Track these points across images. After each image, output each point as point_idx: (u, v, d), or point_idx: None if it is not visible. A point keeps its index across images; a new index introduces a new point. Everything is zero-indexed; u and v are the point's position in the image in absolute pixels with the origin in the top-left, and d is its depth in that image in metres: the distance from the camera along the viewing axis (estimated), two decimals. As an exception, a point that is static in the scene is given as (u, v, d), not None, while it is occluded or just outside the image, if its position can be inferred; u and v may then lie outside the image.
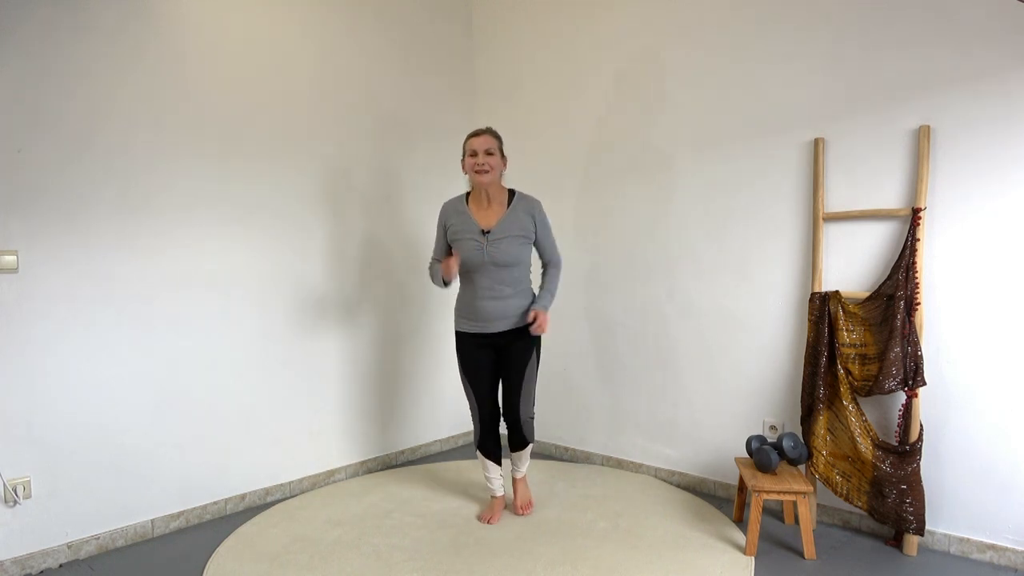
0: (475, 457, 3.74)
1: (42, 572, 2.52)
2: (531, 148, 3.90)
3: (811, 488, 2.51)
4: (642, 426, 3.48)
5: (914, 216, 2.53)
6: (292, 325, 3.28)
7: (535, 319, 2.64)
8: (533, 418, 2.82)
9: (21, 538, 2.49)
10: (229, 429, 3.06)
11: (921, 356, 2.51)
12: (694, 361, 3.26)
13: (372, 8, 3.64)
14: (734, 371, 3.11)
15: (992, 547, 2.46)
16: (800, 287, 2.89)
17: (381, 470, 3.64)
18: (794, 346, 2.92)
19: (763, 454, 2.60)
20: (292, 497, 3.23)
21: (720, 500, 3.12)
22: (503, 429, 2.89)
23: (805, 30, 2.83)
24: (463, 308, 2.78)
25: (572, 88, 3.70)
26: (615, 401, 3.59)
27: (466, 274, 2.73)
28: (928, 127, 2.53)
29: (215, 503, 3.00)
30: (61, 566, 2.56)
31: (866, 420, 2.63)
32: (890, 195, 2.64)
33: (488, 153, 2.64)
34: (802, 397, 2.78)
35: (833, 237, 2.79)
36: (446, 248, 2.81)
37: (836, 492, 2.67)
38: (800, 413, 2.83)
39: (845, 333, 2.67)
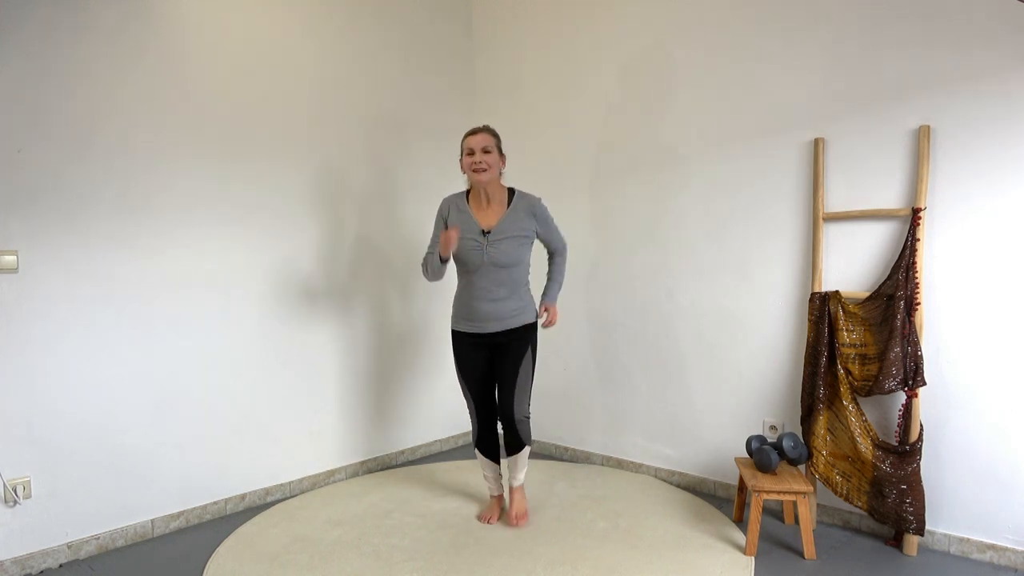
0: (474, 457, 3.74)
1: (42, 572, 2.52)
2: (531, 148, 3.90)
3: (811, 488, 2.51)
4: (642, 426, 3.48)
5: (914, 216, 2.53)
6: (292, 325, 3.28)
7: (546, 314, 2.78)
8: (529, 418, 2.77)
9: (21, 538, 2.49)
10: (229, 429, 3.06)
11: (921, 356, 2.51)
12: (694, 361, 3.26)
13: (372, 8, 3.64)
14: (734, 371, 3.11)
15: (992, 547, 2.46)
16: (800, 287, 2.89)
17: (381, 470, 3.64)
18: (794, 346, 2.92)
19: (763, 454, 2.60)
20: (292, 497, 3.23)
21: (720, 500, 3.13)
22: (501, 429, 2.89)
23: (805, 30, 2.83)
24: (460, 308, 2.77)
25: (572, 88, 3.70)
26: (615, 401, 3.59)
27: (464, 274, 2.72)
28: (928, 127, 2.53)
29: (215, 503, 3.01)
30: (61, 566, 2.56)
31: (866, 420, 2.63)
32: (890, 195, 2.64)
33: (485, 151, 2.61)
34: (802, 397, 2.78)
35: (833, 237, 2.79)
36: None
37: (836, 492, 2.67)
38: (800, 413, 2.83)
39: (845, 333, 2.67)
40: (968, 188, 2.47)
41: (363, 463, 3.60)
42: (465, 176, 2.73)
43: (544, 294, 2.84)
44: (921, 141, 2.53)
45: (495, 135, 2.68)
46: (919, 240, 2.52)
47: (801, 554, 2.53)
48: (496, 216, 2.68)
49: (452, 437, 4.07)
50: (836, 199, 2.77)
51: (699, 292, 3.22)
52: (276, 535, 2.76)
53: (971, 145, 2.46)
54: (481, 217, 2.68)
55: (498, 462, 2.91)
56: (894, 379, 2.51)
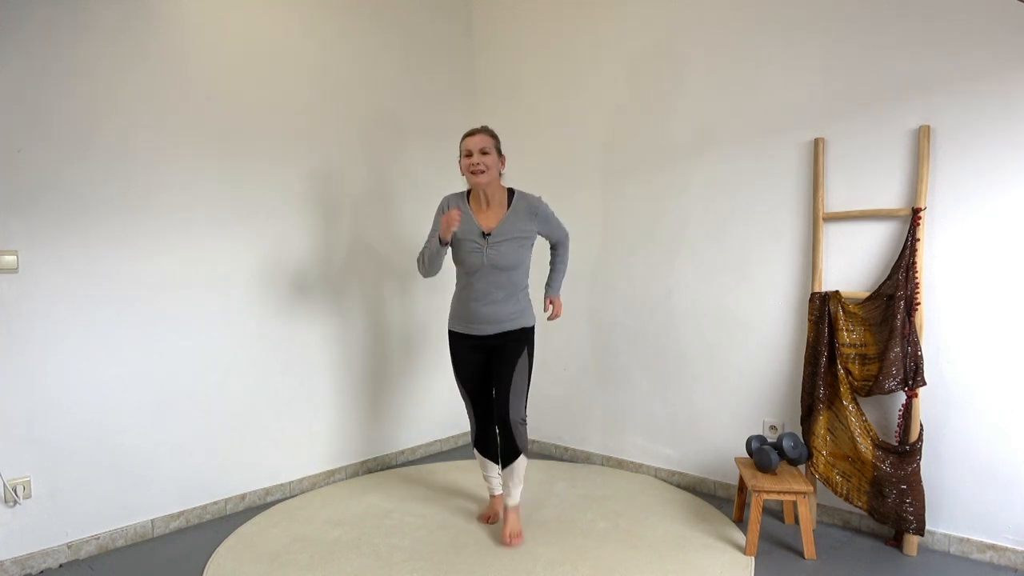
0: (474, 457, 3.73)
1: (42, 572, 2.52)
2: (531, 148, 3.90)
3: (811, 488, 2.51)
4: (642, 426, 3.48)
5: (914, 216, 2.53)
6: (292, 325, 3.28)
7: (551, 307, 2.80)
8: (525, 422, 2.67)
9: (21, 538, 2.49)
10: (229, 429, 3.06)
11: (921, 356, 2.51)
12: (694, 361, 3.26)
13: (372, 8, 3.64)
14: (734, 371, 3.11)
15: (992, 547, 2.46)
16: (800, 287, 2.89)
17: (381, 470, 3.64)
18: (794, 346, 2.92)
19: (763, 454, 2.60)
20: (292, 497, 3.23)
21: (720, 500, 3.12)
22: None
23: (805, 30, 2.83)
24: (457, 309, 2.74)
25: (572, 88, 3.70)
26: (615, 401, 3.59)
27: (463, 275, 2.69)
28: (928, 127, 2.53)
29: (215, 503, 3.01)
30: (61, 566, 2.56)
31: (866, 420, 2.63)
32: (890, 195, 2.64)
33: (483, 152, 2.56)
34: (802, 397, 2.78)
35: (833, 237, 2.79)
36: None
37: (836, 492, 2.67)
38: (800, 413, 2.83)
39: (845, 333, 2.67)
40: (968, 188, 2.47)
41: (363, 463, 3.60)
42: (465, 178, 2.72)
43: (548, 285, 2.84)
44: (921, 141, 2.53)
45: (493, 136, 2.63)
46: (919, 240, 2.52)
47: (801, 554, 2.53)
48: (496, 218, 2.64)
49: (452, 437, 4.07)
50: (836, 199, 2.77)
51: (699, 292, 3.22)
52: (276, 535, 2.76)
53: (971, 145, 2.46)
54: (481, 219, 2.64)
55: (497, 461, 2.89)
56: (894, 379, 2.51)
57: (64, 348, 2.58)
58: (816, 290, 2.78)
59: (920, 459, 2.49)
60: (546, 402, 3.87)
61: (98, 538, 2.66)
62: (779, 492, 2.51)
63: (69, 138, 2.59)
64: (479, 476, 3.41)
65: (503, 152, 2.69)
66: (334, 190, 3.45)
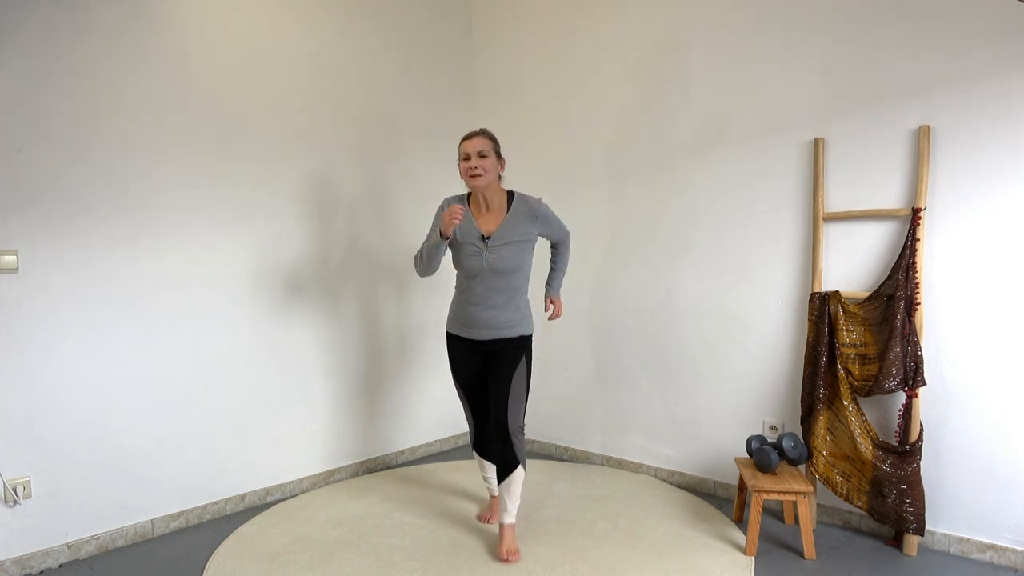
0: (473, 457, 3.74)
1: (42, 572, 2.52)
2: (530, 148, 3.90)
3: (811, 488, 2.51)
4: (642, 426, 3.48)
5: (914, 216, 2.53)
6: (292, 326, 3.28)
7: (552, 306, 2.78)
8: (523, 430, 2.58)
9: (21, 538, 2.49)
10: (229, 429, 3.06)
11: (921, 356, 2.51)
12: (694, 361, 3.26)
13: (372, 8, 3.64)
14: (734, 371, 3.11)
15: (992, 547, 2.46)
16: (800, 287, 2.89)
17: (381, 470, 3.64)
18: (794, 346, 2.92)
19: (763, 454, 2.60)
20: (292, 497, 3.23)
21: (720, 500, 3.13)
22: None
23: (805, 30, 2.83)
24: (455, 311, 2.71)
25: (572, 88, 3.70)
26: (615, 401, 3.59)
27: (463, 279, 2.66)
28: (928, 127, 2.53)
29: (215, 503, 3.00)
30: (61, 566, 2.56)
31: (866, 420, 2.63)
32: (890, 195, 2.64)
33: (481, 156, 2.51)
34: (802, 397, 2.78)
35: (833, 237, 2.79)
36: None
37: (836, 492, 2.67)
38: (800, 413, 2.83)
39: (845, 333, 2.67)
40: (968, 188, 2.47)
41: (363, 463, 3.60)
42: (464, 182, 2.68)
43: (548, 285, 2.81)
44: (921, 141, 2.53)
45: (492, 139, 2.58)
46: (919, 240, 2.52)
47: (801, 554, 2.53)
48: (496, 221, 2.59)
49: (452, 437, 4.07)
50: (836, 199, 2.77)
51: (699, 292, 3.22)
52: (276, 535, 2.76)
53: (971, 145, 2.46)
54: (480, 222, 2.60)
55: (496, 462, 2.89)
56: (894, 379, 2.51)
57: (64, 348, 2.58)
58: (816, 290, 2.78)
59: (920, 459, 2.49)
60: (546, 402, 3.87)
61: (98, 538, 2.66)
62: (779, 492, 2.51)
63: (69, 138, 2.59)
64: (479, 476, 3.41)
65: (502, 155, 2.64)
66: (334, 190, 3.45)
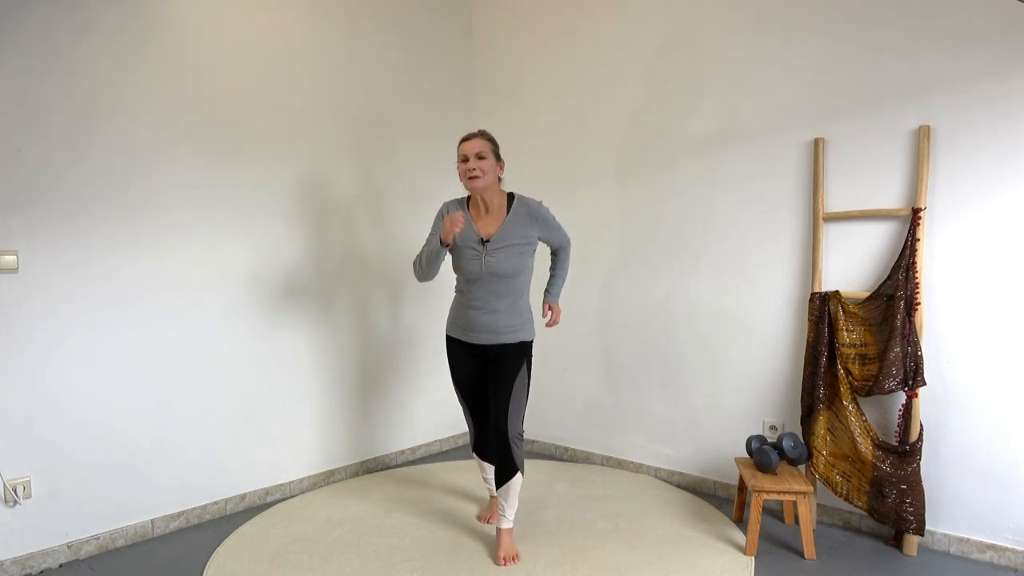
0: (473, 458, 3.74)
1: (42, 572, 2.52)
2: (531, 148, 3.90)
3: (811, 488, 2.51)
4: (642, 426, 3.48)
5: (914, 216, 2.53)
6: (292, 325, 3.28)
7: (550, 313, 2.73)
8: (522, 437, 2.55)
9: (21, 538, 2.49)
10: (229, 429, 3.06)
11: (921, 356, 2.51)
12: (694, 361, 3.26)
13: (372, 8, 3.64)
14: (734, 371, 3.11)
15: (992, 547, 2.46)
16: (800, 287, 2.89)
17: (381, 470, 3.64)
18: (794, 346, 2.92)
19: (763, 454, 2.60)
20: (292, 497, 3.23)
21: (720, 500, 3.13)
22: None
23: (805, 30, 2.83)
24: (455, 315, 2.67)
25: (572, 89, 3.70)
26: (615, 401, 3.59)
27: (463, 283, 2.62)
28: (928, 127, 2.53)
29: (215, 503, 3.01)
30: (61, 566, 2.56)
31: (866, 420, 2.63)
32: (890, 195, 2.64)
33: (480, 157, 2.48)
34: (802, 397, 2.78)
35: (833, 237, 2.79)
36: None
37: (836, 492, 2.67)
38: (800, 413, 2.83)
39: (845, 333, 2.67)
40: (968, 188, 2.47)
41: (363, 463, 3.60)
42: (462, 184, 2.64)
43: (547, 291, 2.77)
44: (921, 141, 2.53)
45: (490, 140, 2.54)
46: (919, 240, 2.52)
47: (801, 554, 2.53)
48: (495, 224, 2.55)
49: (452, 437, 4.07)
50: (836, 199, 2.77)
51: (699, 292, 3.22)
52: (276, 535, 2.76)
53: (971, 145, 2.46)
54: (480, 225, 2.56)
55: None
56: (894, 379, 2.51)
57: (64, 348, 2.58)
58: (816, 290, 2.78)
59: (920, 459, 2.49)
60: (546, 402, 3.87)
61: (98, 538, 2.66)
62: (779, 492, 2.51)
63: (69, 138, 2.59)
64: (479, 476, 3.41)
65: (501, 156, 2.60)
66: (334, 190, 3.45)
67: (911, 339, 2.51)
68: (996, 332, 2.43)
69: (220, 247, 3.01)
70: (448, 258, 2.64)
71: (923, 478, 2.54)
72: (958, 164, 2.48)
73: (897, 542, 2.60)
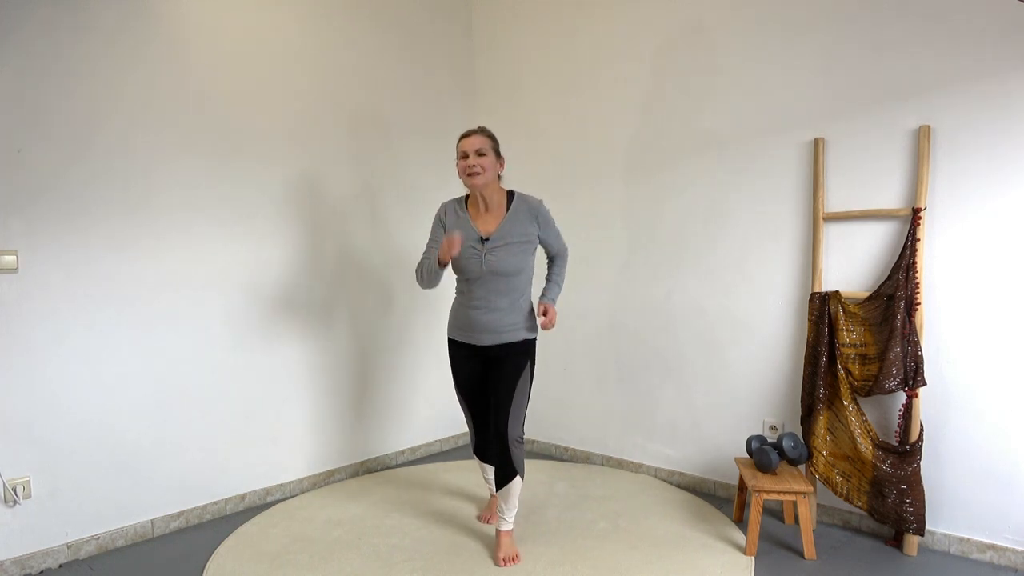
0: (474, 458, 3.74)
1: (42, 572, 2.52)
2: (531, 148, 3.90)
3: (811, 488, 2.51)
4: (642, 426, 3.48)
5: (914, 216, 2.53)
6: (293, 326, 3.28)
7: (545, 314, 2.53)
8: (522, 441, 2.51)
9: (21, 538, 2.49)
10: (229, 429, 3.06)
11: (921, 356, 2.51)
12: (694, 361, 3.26)
13: (372, 9, 3.64)
14: (734, 371, 3.11)
15: (992, 547, 2.46)
16: (800, 287, 2.89)
17: (381, 470, 3.64)
18: (794, 346, 2.92)
19: (763, 454, 2.60)
20: (292, 497, 3.23)
21: (720, 500, 3.12)
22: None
23: (805, 30, 2.83)
24: (456, 316, 2.64)
25: (572, 88, 3.70)
26: (615, 401, 3.59)
27: (463, 282, 2.59)
28: (928, 127, 2.53)
29: (215, 503, 3.00)
30: (61, 566, 2.56)
31: (866, 420, 2.63)
32: (890, 195, 2.64)
33: (480, 154, 2.44)
34: (802, 397, 2.78)
35: (833, 237, 2.79)
36: None
37: (836, 492, 2.67)
38: (800, 413, 2.83)
39: (845, 333, 2.67)
40: (968, 188, 2.47)
41: (363, 463, 3.60)
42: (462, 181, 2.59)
43: (543, 295, 2.65)
44: (921, 141, 2.53)
45: (491, 137, 2.52)
46: (919, 240, 2.52)
47: (801, 554, 2.53)
48: (495, 222, 2.52)
49: (452, 437, 4.07)
50: (836, 199, 2.77)
51: (699, 292, 3.22)
52: (276, 535, 2.76)
53: (971, 145, 2.46)
54: (479, 223, 2.53)
55: None
56: (894, 379, 2.51)
57: (64, 348, 2.58)
58: (816, 290, 2.78)
59: (920, 459, 2.49)
60: (546, 402, 3.87)
61: (98, 538, 2.66)
62: (779, 492, 2.51)
63: (69, 138, 2.59)
64: (479, 476, 3.41)
65: (501, 153, 2.58)
66: (334, 190, 3.45)
67: (911, 339, 2.51)
68: (996, 332, 2.43)
69: (220, 247, 3.01)
70: None
71: (923, 478, 2.54)
72: (958, 164, 2.48)
73: (897, 542, 2.60)
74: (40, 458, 2.52)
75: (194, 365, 2.93)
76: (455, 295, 2.67)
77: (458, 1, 4.11)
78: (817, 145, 2.79)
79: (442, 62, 4.01)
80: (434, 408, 3.95)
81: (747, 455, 2.81)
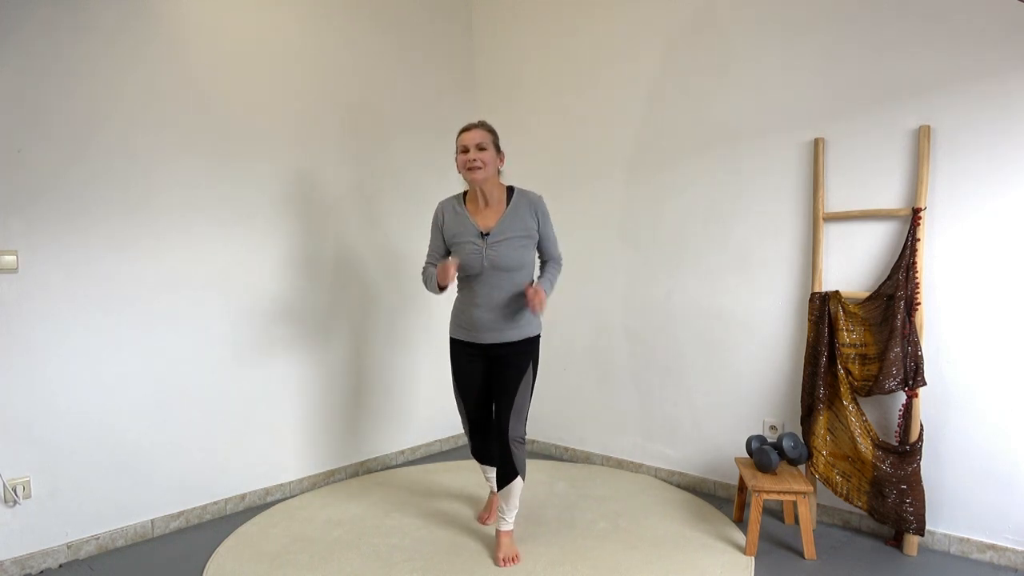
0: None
1: (42, 572, 2.52)
2: (531, 148, 3.90)
3: (811, 488, 2.51)
4: (642, 426, 3.48)
5: (914, 216, 2.53)
6: (293, 325, 3.27)
7: (534, 294, 2.38)
8: (523, 441, 2.49)
9: (21, 538, 2.49)
10: (229, 429, 3.06)
11: (921, 356, 2.51)
12: (694, 361, 3.25)
13: (372, 9, 3.64)
14: (734, 371, 3.11)
15: (992, 547, 2.46)
16: (800, 287, 2.89)
17: (381, 470, 3.64)
18: (794, 346, 2.92)
19: (763, 454, 2.60)
20: (292, 497, 3.23)
21: (720, 500, 3.12)
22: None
23: (805, 30, 2.83)
24: (458, 315, 2.59)
25: (571, 88, 3.70)
26: (615, 401, 3.59)
27: (464, 279, 2.56)
28: (928, 127, 2.53)
29: (215, 503, 3.00)
30: (61, 566, 2.56)
31: (866, 420, 2.63)
32: (890, 195, 2.64)
33: (480, 148, 2.41)
34: (802, 397, 2.78)
35: (833, 237, 2.79)
36: (442, 250, 2.59)
37: (836, 492, 2.67)
38: (800, 413, 2.83)
39: (845, 333, 2.67)
40: (968, 188, 2.47)
41: (363, 463, 3.60)
42: (461, 176, 2.55)
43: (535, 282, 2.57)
44: (921, 141, 2.53)
45: (491, 131, 2.49)
46: (919, 240, 2.52)
47: (801, 554, 2.53)
48: (495, 217, 2.49)
49: (452, 437, 4.07)
50: (836, 199, 2.77)
51: (699, 292, 3.22)
52: (276, 535, 2.76)
53: (971, 145, 2.46)
54: (479, 219, 2.50)
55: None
56: (894, 379, 2.51)
57: (64, 348, 2.58)
58: (816, 290, 2.78)
59: (920, 459, 2.49)
60: (546, 402, 3.87)
61: (98, 538, 2.66)
62: (779, 492, 2.51)
63: (69, 138, 2.59)
64: (479, 476, 3.41)
65: (501, 148, 2.54)
66: (334, 190, 3.45)
67: (911, 339, 2.51)
68: (996, 332, 2.43)
69: (221, 247, 3.01)
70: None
71: (923, 478, 2.54)
72: (958, 164, 2.48)
73: (897, 542, 2.60)
74: (40, 458, 2.52)
75: (194, 365, 2.93)
76: (457, 293, 2.65)
77: (458, 1, 4.11)
78: (817, 145, 2.79)
79: (442, 62, 4.01)
80: (434, 408, 3.95)
81: (747, 455, 2.81)
